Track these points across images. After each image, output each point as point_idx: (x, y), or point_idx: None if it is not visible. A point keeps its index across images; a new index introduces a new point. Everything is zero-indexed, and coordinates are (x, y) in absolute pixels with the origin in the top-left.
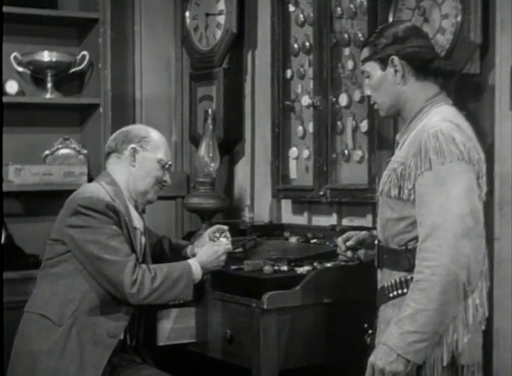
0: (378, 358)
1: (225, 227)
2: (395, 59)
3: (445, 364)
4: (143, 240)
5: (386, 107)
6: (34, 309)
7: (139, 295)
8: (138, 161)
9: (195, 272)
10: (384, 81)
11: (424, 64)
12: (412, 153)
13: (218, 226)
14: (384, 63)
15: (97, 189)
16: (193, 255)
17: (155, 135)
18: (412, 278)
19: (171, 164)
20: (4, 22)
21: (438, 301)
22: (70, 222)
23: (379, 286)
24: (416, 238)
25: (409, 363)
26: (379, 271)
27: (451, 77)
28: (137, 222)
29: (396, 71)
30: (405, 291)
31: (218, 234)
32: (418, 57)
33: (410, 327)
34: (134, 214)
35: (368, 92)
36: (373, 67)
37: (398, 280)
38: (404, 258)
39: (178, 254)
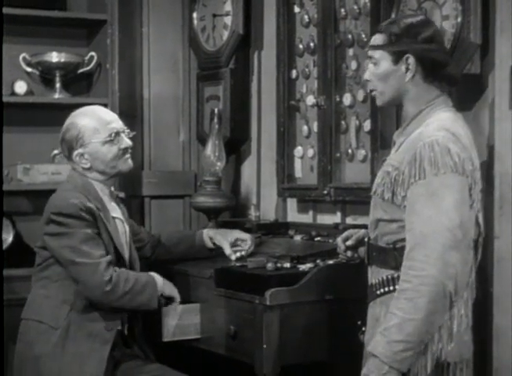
0: (371, 371)
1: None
2: (411, 58)
3: (429, 372)
4: (126, 227)
5: (386, 99)
6: (30, 316)
7: (113, 295)
8: (90, 159)
9: (158, 282)
10: (392, 75)
11: (436, 68)
12: (407, 160)
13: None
14: (397, 57)
15: (67, 192)
16: (211, 238)
17: (81, 122)
18: (398, 276)
19: (116, 132)
20: (13, 23)
21: (425, 311)
22: (46, 230)
23: (368, 283)
24: (404, 239)
25: (401, 373)
26: (369, 268)
27: (456, 84)
28: (114, 211)
29: (408, 70)
30: (391, 288)
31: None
32: (432, 61)
33: (397, 336)
34: (110, 204)
35: (368, 77)
36: (383, 57)
37: (385, 278)
38: (391, 256)
39: (189, 244)
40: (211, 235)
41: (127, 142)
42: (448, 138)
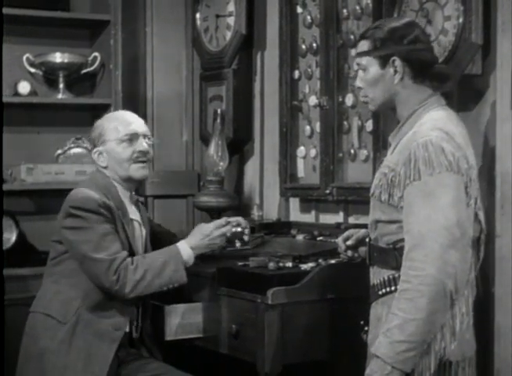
0: (374, 371)
1: (242, 222)
2: (397, 60)
3: (432, 372)
4: (143, 230)
5: (378, 104)
6: (38, 309)
7: (124, 290)
8: (107, 158)
9: (184, 254)
10: (380, 79)
11: (424, 68)
12: (402, 162)
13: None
14: (384, 61)
15: (89, 188)
16: None
17: (107, 121)
18: (399, 276)
19: (134, 133)
20: (17, 24)
21: (426, 311)
22: (65, 224)
23: (371, 283)
24: (404, 239)
25: (404, 373)
26: (371, 269)
27: (447, 81)
28: (133, 214)
29: (396, 72)
30: (392, 288)
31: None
32: (419, 61)
33: (399, 336)
34: (129, 206)
35: (359, 84)
36: (370, 63)
37: (386, 278)
38: (392, 256)
39: None
40: None
41: (143, 146)
42: (441, 137)
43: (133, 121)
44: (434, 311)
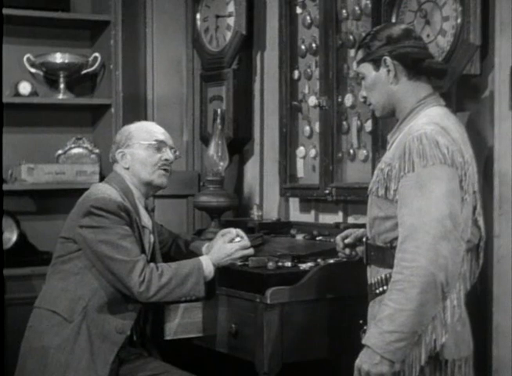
0: (363, 361)
1: (241, 233)
2: (388, 59)
3: (422, 363)
4: (152, 238)
5: (380, 107)
6: (44, 305)
7: (148, 293)
8: (130, 160)
9: (206, 268)
10: (377, 82)
11: (416, 64)
12: (397, 155)
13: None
14: (377, 63)
15: (109, 190)
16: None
17: (136, 127)
18: None
19: (162, 141)
20: (17, 24)
21: (416, 302)
22: (83, 223)
23: (368, 282)
24: None
25: (394, 363)
26: (368, 268)
27: (443, 77)
28: (146, 220)
29: (389, 71)
30: (390, 287)
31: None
32: (409, 57)
33: (389, 326)
34: (143, 212)
35: (363, 93)
36: (366, 68)
37: (383, 277)
38: (389, 255)
39: (194, 252)
40: (206, 247)
41: (169, 155)
42: (437, 131)
43: (162, 132)
44: (425, 302)
